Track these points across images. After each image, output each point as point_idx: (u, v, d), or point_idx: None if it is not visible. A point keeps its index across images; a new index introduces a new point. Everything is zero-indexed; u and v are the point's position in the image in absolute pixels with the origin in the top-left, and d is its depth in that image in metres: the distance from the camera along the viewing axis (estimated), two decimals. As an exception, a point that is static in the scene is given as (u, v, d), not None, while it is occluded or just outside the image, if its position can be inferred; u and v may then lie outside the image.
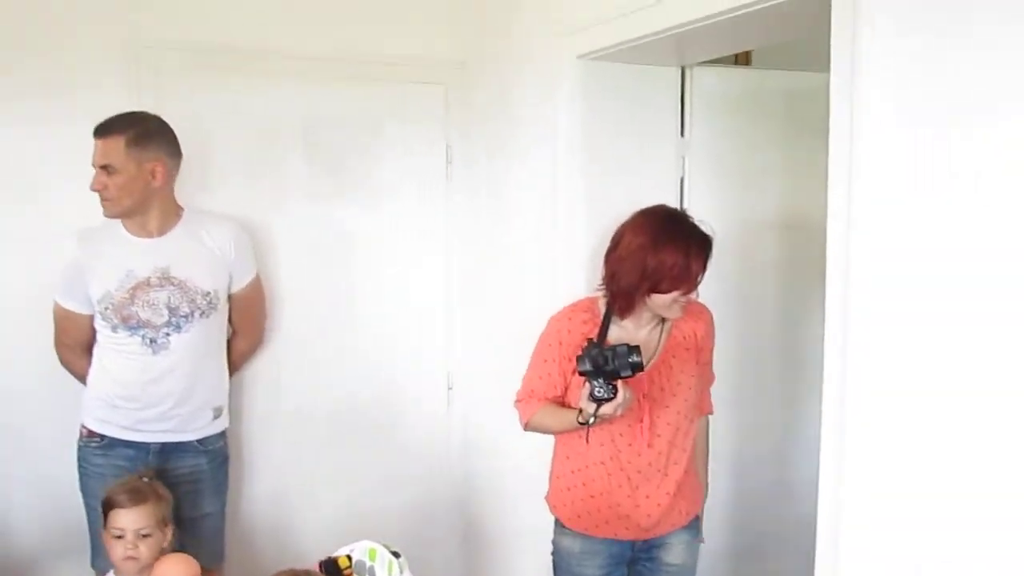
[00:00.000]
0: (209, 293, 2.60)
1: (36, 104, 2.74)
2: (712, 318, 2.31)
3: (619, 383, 1.99)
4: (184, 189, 2.70)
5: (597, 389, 1.98)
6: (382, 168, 3.20)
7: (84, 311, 2.60)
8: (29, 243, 2.75)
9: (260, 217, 3.01)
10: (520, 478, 2.89)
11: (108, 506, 2.26)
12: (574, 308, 2.29)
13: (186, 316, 2.57)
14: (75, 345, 2.67)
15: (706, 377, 2.33)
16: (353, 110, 3.14)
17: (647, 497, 2.20)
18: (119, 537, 2.23)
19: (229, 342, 2.82)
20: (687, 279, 2.07)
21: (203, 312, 2.59)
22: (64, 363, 2.71)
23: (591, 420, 2.03)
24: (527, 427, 2.30)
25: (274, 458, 3.14)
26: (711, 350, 2.32)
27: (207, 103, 2.93)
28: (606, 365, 1.98)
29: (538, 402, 2.25)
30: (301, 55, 3.00)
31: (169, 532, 2.32)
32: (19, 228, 2.77)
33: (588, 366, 1.99)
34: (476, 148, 3.22)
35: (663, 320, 2.21)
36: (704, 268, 2.09)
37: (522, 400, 2.30)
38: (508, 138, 3.00)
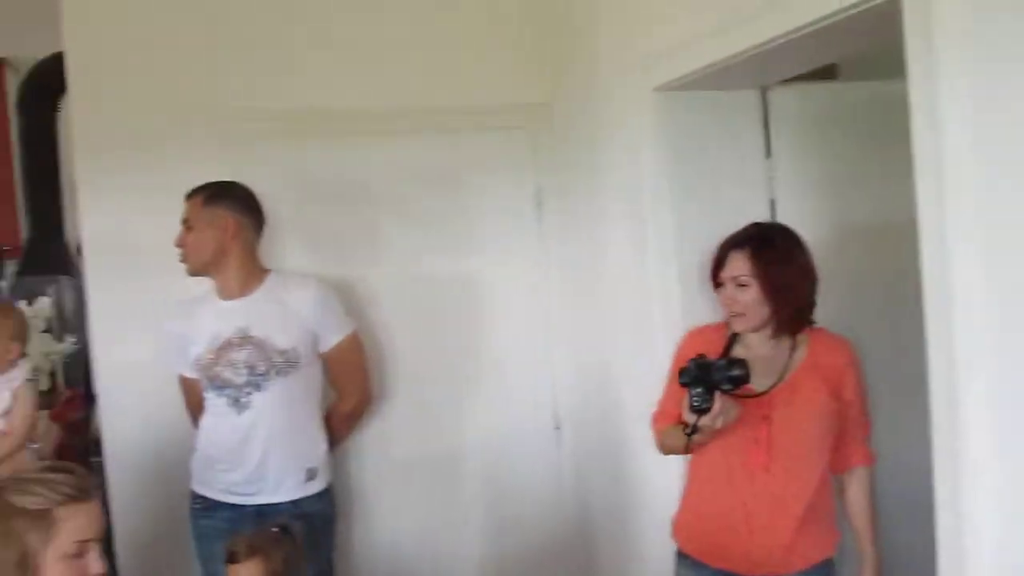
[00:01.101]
0: (286, 351, 2.63)
1: (135, 176, 2.92)
2: (852, 354, 2.19)
3: (717, 395, 1.97)
4: (278, 252, 2.81)
5: (694, 399, 1.98)
6: (472, 215, 3.26)
7: (192, 375, 2.72)
8: (146, 312, 2.87)
9: (356, 274, 3.10)
10: (639, 517, 2.86)
11: (228, 559, 2.30)
12: (707, 325, 2.28)
13: (263, 374, 2.61)
14: (195, 407, 2.79)
15: (852, 419, 2.18)
16: (439, 161, 3.22)
17: (763, 527, 2.12)
18: None
19: (333, 405, 2.86)
20: (715, 269, 2.16)
21: (279, 370, 2.63)
22: (195, 426, 2.81)
23: (691, 432, 2.02)
24: (658, 446, 2.29)
25: (386, 507, 3.18)
26: (857, 389, 2.19)
27: (296, 166, 3.06)
28: (707, 377, 1.97)
29: (666, 420, 2.24)
30: (384, 111, 3.09)
31: None
32: (139, 296, 2.92)
33: (688, 377, 1.99)
34: (564, 188, 3.24)
35: (795, 342, 2.17)
36: (748, 265, 2.10)
37: (655, 419, 2.29)
38: (594, 176, 3.01)
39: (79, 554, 1.66)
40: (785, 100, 2.66)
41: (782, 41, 2.01)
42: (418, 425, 3.21)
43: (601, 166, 2.95)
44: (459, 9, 3.20)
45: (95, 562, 1.68)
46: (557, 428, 3.37)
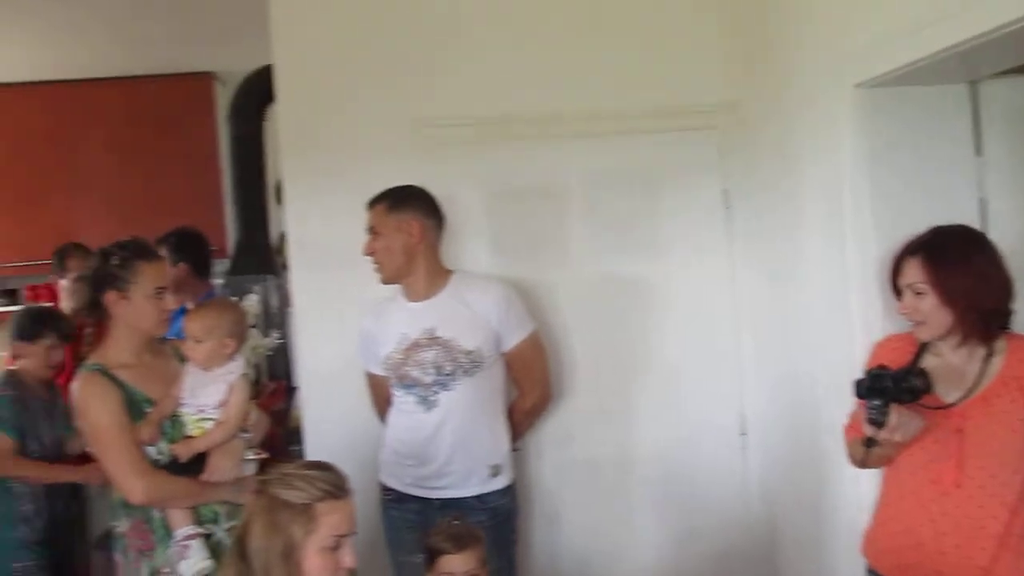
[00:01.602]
0: (472, 352, 2.70)
1: (337, 181, 3.07)
2: None
3: (894, 407, 1.91)
4: (467, 254, 2.88)
5: (871, 412, 1.93)
6: (661, 218, 3.24)
7: (379, 372, 2.83)
8: (345, 311, 3.02)
9: (540, 275, 3.15)
10: (828, 529, 2.77)
11: (436, 553, 2.38)
12: (899, 334, 2.20)
13: (450, 374, 2.69)
14: (382, 404, 2.91)
15: None
16: (628, 163, 3.22)
17: (956, 547, 1.98)
18: None
19: (513, 402, 2.91)
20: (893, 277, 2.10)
21: (466, 370, 2.70)
22: (382, 422, 2.94)
23: (869, 445, 1.97)
24: (848, 458, 2.22)
25: (565, 507, 3.21)
26: None
27: (488, 171, 3.14)
28: (882, 388, 1.91)
29: (855, 432, 2.16)
30: (574, 115, 3.13)
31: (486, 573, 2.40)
32: (339, 295, 3.07)
33: (863, 389, 1.96)
34: (754, 189, 3.17)
35: (991, 350, 2.04)
36: (921, 272, 2.02)
37: (846, 430, 2.23)
38: (788, 176, 2.93)
39: (335, 547, 1.76)
40: (997, 94, 2.50)
41: (994, 36, 1.89)
42: (597, 427, 3.22)
43: (796, 166, 2.86)
44: (649, 10, 3.19)
45: (349, 556, 1.78)
46: (743, 434, 3.30)
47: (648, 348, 3.26)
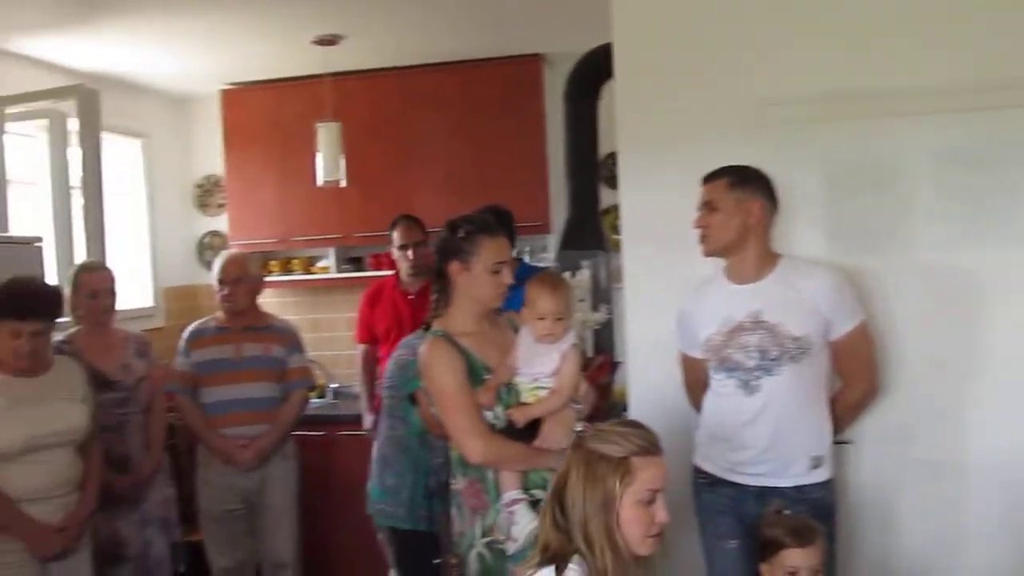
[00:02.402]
0: (799, 338, 2.61)
1: (672, 160, 3.08)
2: None
3: None
4: (803, 239, 2.78)
5: None
6: (1020, 203, 2.91)
7: (697, 355, 2.82)
8: (674, 289, 2.99)
9: (876, 262, 2.97)
10: None
11: (775, 545, 2.34)
12: None
13: (775, 359, 2.62)
14: (695, 386, 2.90)
15: None
16: (986, 142, 2.92)
17: None
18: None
19: (837, 393, 2.79)
20: None
21: (792, 356, 2.61)
22: (692, 403, 2.95)
23: None
24: None
25: (901, 511, 3.02)
26: None
27: (822, 151, 3.01)
28: None
29: None
30: (925, 88, 2.91)
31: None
32: (669, 273, 3.08)
33: None
34: None
35: None
36: None
37: None
38: None
39: (650, 501, 1.81)
40: None
41: None
42: (929, 426, 2.99)
43: None
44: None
45: (661, 511, 1.83)
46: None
47: (991, 346, 2.96)
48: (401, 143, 5.07)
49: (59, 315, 3.13)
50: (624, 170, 3.20)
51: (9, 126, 4.19)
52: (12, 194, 4.14)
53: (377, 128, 5.06)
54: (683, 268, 2.96)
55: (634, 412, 3.18)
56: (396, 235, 4.17)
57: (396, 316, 4.17)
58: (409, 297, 4.20)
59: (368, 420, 4.21)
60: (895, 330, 2.97)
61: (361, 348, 4.39)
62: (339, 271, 5.35)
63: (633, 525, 1.81)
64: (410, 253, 4.13)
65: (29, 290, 2.98)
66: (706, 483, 2.80)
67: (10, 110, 4.23)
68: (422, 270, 4.00)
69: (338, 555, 4.45)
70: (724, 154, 2.78)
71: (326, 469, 4.47)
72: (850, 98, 2.95)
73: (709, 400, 2.81)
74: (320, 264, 5.46)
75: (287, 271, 5.46)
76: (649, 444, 1.85)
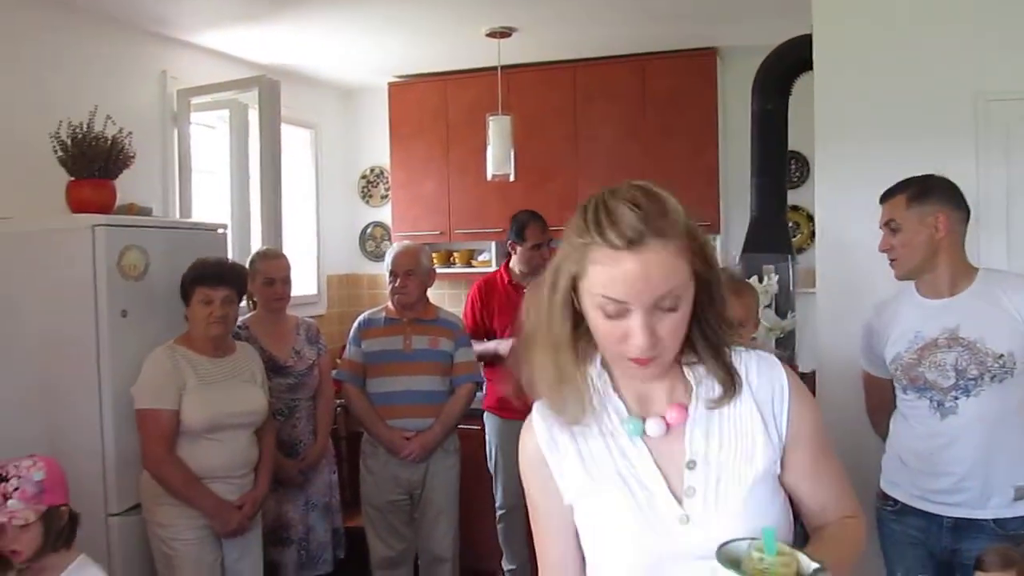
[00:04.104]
0: (1002, 356, 2.41)
1: (875, 159, 2.89)
2: None
3: None
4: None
5: None
6: None
7: (880, 374, 2.66)
8: (866, 298, 2.85)
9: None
10: None
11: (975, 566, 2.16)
12: None
13: (975, 379, 2.42)
14: (878, 409, 2.75)
15: None
16: None
17: None
18: None
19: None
20: None
21: (994, 376, 2.41)
22: (873, 425, 2.80)
23: None
24: None
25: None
26: None
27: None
28: None
29: None
30: None
31: None
32: (862, 280, 2.92)
33: None
34: None
35: None
36: None
37: None
38: None
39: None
40: None
41: None
42: None
43: None
44: None
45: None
46: None
47: None
48: (568, 137, 5.01)
49: (244, 289, 3.29)
50: (821, 168, 3.03)
51: (192, 116, 4.34)
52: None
53: (544, 122, 5.01)
54: (877, 279, 2.79)
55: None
56: (529, 232, 4.18)
57: (513, 310, 4.11)
58: (524, 291, 4.14)
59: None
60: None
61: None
62: (500, 265, 5.32)
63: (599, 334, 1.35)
64: (545, 252, 4.11)
65: (217, 262, 3.19)
66: (892, 511, 2.63)
67: (196, 100, 4.38)
68: (541, 269, 3.92)
69: (496, 551, 4.40)
70: (937, 156, 2.62)
71: (481, 464, 4.44)
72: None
73: (897, 423, 2.64)
74: (481, 258, 5.47)
75: (448, 263, 5.48)
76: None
